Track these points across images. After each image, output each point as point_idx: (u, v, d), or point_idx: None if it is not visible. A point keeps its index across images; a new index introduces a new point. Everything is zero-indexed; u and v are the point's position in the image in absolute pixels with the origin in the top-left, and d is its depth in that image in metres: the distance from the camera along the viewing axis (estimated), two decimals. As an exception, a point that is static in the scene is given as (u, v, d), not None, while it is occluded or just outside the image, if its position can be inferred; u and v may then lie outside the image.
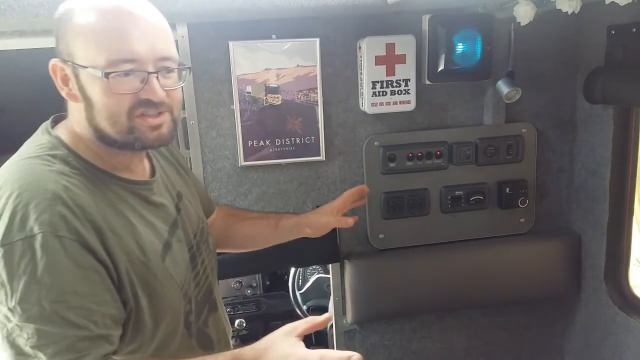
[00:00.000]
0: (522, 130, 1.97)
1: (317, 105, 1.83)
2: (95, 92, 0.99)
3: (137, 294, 1.03)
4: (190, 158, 1.82)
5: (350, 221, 1.54)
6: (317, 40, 1.77)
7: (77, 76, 0.99)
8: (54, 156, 1.01)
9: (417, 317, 2.13)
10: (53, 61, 1.00)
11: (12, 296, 0.91)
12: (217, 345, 1.30)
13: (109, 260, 0.98)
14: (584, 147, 1.99)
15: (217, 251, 1.46)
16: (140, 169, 1.16)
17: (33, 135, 1.09)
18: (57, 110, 1.11)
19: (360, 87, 1.84)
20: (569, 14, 1.42)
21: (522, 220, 2.06)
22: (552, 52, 1.92)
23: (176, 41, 1.67)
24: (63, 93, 1.02)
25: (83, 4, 0.98)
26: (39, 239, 0.90)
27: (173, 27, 1.63)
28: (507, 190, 1.98)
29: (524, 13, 1.53)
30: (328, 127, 1.88)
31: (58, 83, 1.02)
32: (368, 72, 1.78)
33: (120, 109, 1.00)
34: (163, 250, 1.11)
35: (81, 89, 1.00)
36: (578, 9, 1.41)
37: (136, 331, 1.06)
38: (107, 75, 0.96)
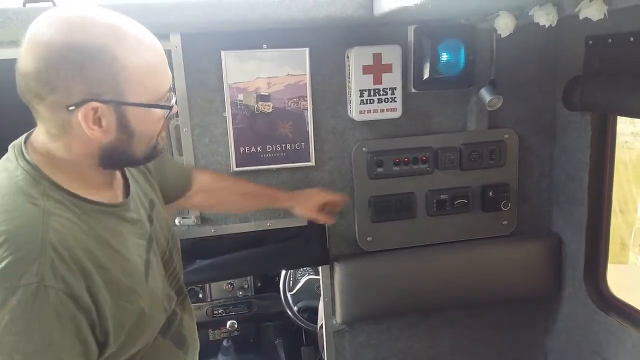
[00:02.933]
0: (505, 136, 2.04)
1: (307, 112, 1.88)
2: (144, 123, 1.02)
3: (122, 323, 1.03)
4: (183, 164, 1.86)
5: (331, 219, 1.80)
6: (307, 50, 1.82)
7: (122, 114, 0.98)
8: (36, 191, 0.98)
9: (404, 317, 2.20)
10: (87, 106, 0.94)
11: None
12: (190, 343, 1.36)
13: (91, 303, 0.97)
14: (564, 152, 2.06)
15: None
16: (117, 184, 1.17)
17: (5, 159, 1.04)
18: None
19: (348, 95, 1.90)
20: (546, 27, 1.49)
21: (505, 222, 2.13)
22: (532, 62, 2.00)
23: (169, 50, 1.74)
24: (91, 133, 0.97)
25: (119, 42, 0.94)
26: (23, 290, 0.89)
27: (167, 37, 1.71)
28: (490, 193, 2.05)
29: (504, 25, 1.59)
30: (318, 133, 1.93)
31: (88, 125, 0.96)
32: (356, 80, 1.84)
33: (157, 131, 1.07)
34: (145, 270, 1.13)
35: (123, 125, 0.99)
36: (555, 23, 1.48)
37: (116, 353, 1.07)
38: (170, 107, 1.04)
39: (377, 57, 1.83)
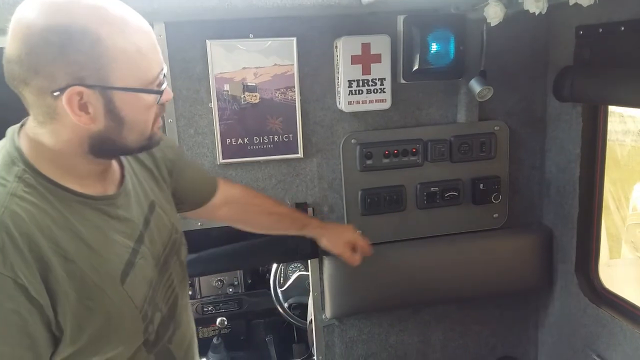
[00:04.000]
0: (495, 127, 2.02)
1: (295, 103, 1.85)
2: (134, 110, 0.98)
3: (82, 324, 0.98)
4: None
5: (357, 261, 1.78)
6: (294, 39, 1.79)
7: (108, 100, 0.94)
8: (9, 172, 0.95)
9: (395, 312, 2.17)
10: (71, 90, 0.90)
11: None
12: None
13: (46, 295, 0.92)
14: (554, 144, 2.04)
15: (233, 225, 1.69)
16: (111, 177, 1.12)
17: (1, 140, 1.04)
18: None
19: (337, 86, 1.88)
20: (536, 14, 1.47)
21: (496, 215, 2.11)
22: (523, 52, 1.98)
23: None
24: (77, 119, 0.94)
25: (103, 23, 0.91)
26: None
27: (150, 26, 1.67)
28: (481, 186, 2.03)
29: (494, 14, 1.57)
30: (306, 125, 1.90)
31: (74, 111, 0.92)
32: (344, 71, 1.81)
33: (150, 119, 1.03)
34: (124, 271, 1.06)
35: (111, 111, 0.95)
36: (545, 10, 1.46)
37: (77, 354, 1.01)
38: (159, 92, 1.00)
39: (366, 47, 1.80)
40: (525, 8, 1.47)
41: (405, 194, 2.00)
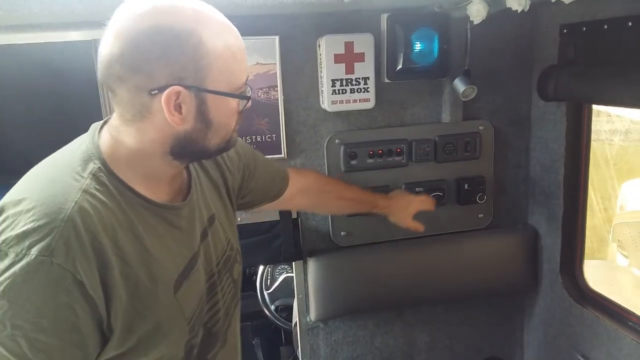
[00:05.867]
0: (480, 127, 2.01)
1: (278, 103, 1.83)
2: (221, 113, 0.99)
3: (132, 328, 0.98)
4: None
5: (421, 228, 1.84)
6: (277, 37, 1.77)
7: (201, 101, 0.96)
8: (85, 169, 0.97)
9: (380, 313, 2.15)
10: (171, 89, 0.92)
11: None
12: None
13: (102, 293, 0.92)
14: (539, 143, 2.04)
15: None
16: (180, 184, 1.12)
17: (84, 135, 1.04)
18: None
19: (320, 85, 1.85)
20: (519, 12, 1.46)
21: (481, 215, 2.10)
22: (507, 51, 1.97)
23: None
24: (171, 119, 0.95)
25: (205, 27, 0.93)
26: (29, 259, 0.86)
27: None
28: (466, 186, 2.02)
29: (477, 12, 1.56)
30: (289, 125, 1.88)
31: (169, 110, 0.94)
32: (327, 70, 1.79)
33: (232, 123, 1.04)
34: (178, 281, 1.06)
35: (202, 113, 0.97)
36: (527, 8, 1.45)
37: (121, 356, 1.01)
38: (248, 98, 1.02)
39: (349, 45, 1.78)
40: (508, 6, 1.46)
41: (390, 195, 1.98)
